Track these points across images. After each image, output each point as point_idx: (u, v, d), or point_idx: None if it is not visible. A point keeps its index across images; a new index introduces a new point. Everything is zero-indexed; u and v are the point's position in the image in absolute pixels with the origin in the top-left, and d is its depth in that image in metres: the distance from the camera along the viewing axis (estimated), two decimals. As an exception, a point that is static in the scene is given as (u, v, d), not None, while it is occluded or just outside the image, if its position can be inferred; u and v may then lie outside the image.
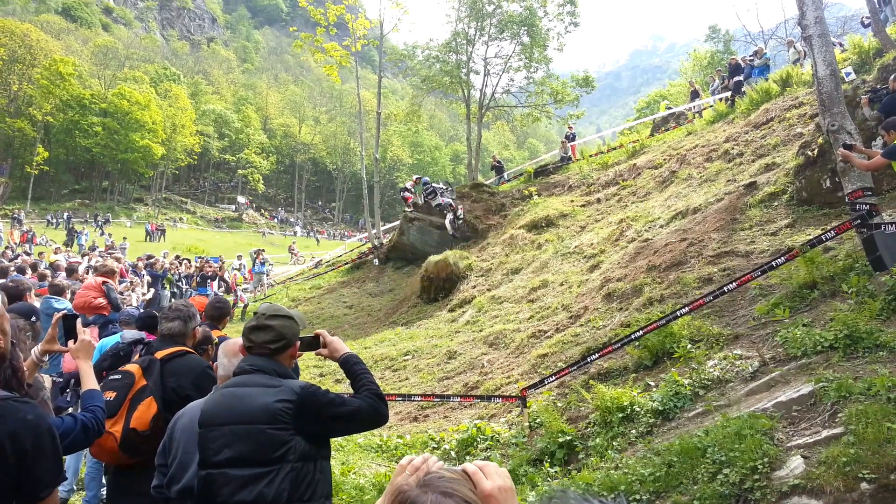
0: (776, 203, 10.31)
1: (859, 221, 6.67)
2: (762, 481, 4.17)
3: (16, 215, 47.68)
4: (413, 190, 22.70)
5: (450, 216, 20.23)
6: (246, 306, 21.62)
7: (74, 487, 6.26)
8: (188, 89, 79.87)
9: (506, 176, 28.02)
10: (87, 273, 12.94)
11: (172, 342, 4.08)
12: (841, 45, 16.50)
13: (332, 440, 3.10)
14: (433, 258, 17.96)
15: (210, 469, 2.66)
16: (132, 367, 3.89)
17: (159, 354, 3.95)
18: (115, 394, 3.71)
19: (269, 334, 2.88)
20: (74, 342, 3.31)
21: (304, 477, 2.61)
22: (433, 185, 21.58)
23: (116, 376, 3.87)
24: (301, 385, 2.78)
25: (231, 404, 2.74)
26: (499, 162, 30.52)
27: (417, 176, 23.01)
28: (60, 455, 2.27)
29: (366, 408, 2.83)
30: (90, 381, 3.14)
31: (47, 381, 3.63)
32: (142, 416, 3.64)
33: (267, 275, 28.03)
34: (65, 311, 3.46)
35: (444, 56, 31.73)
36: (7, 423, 2.04)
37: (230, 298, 24.06)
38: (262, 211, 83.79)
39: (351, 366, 3.05)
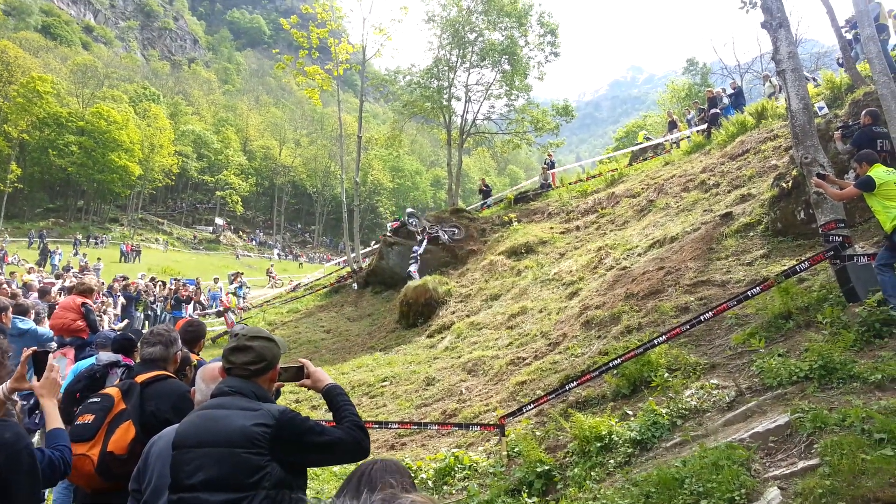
0: (752, 233, 10.47)
1: (833, 253, 6.79)
2: (740, 513, 4.17)
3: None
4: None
5: (417, 249, 20.28)
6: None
7: None
8: (168, 109, 79.62)
9: (490, 202, 28.15)
10: (61, 294, 12.73)
11: (154, 366, 4.02)
12: (815, 79, 16.95)
13: (309, 469, 3.05)
14: (412, 283, 17.91)
15: (182, 493, 2.57)
16: (111, 391, 3.82)
17: (140, 378, 3.89)
18: (93, 416, 3.64)
19: (250, 355, 2.83)
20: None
21: (277, 503, 2.53)
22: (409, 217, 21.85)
23: (95, 399, 3.80)
24: (280, 410, 2.71)
25: (207, 426, 2.66)
26: (486, 186, 30.45)
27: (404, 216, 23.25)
28: (38, 474, 2.22)
29: (347, 439, 2.76)
30: (55, 421, 3.05)
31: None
32: (119, 440, 3.57)
33: (243, 298, 27.74)
34: (35, 349, 3.37)
35: (426, 82, 32.06)
36: None
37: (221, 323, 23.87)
38: (241, 233, 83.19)
39: (334, 397, 2.99)
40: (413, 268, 19.34)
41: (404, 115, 33.51)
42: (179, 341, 4.28)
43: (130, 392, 3.81)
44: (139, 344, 4.37)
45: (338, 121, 33.29)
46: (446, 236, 20.87)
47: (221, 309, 21.74)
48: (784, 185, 10.17)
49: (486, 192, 29.79)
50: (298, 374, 3.06)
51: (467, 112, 32.92)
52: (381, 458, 2.23)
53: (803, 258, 7.64)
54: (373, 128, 64.31)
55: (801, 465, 4.46)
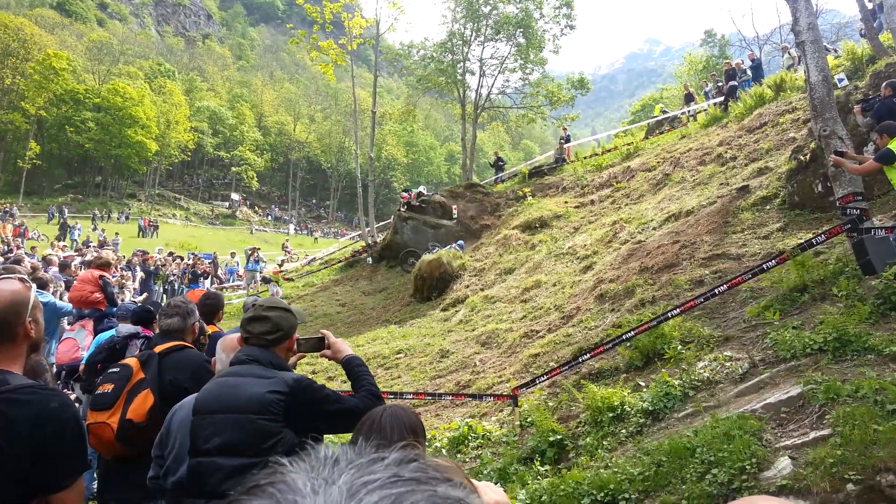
0: (768, 207, 10.38)
1: (850, 226, 6.74)
2: (750, 482, 4.21)
3: (7, 209, 47.42)
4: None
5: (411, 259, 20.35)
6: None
7: None
8: (183, 86, 79.59)
9: (503, 176, 28.02)
10: (81, 269, 12.89)
11: (171, 337, 4.10)
12: (835, 51, 16.62)
13: (325, 438, 3.11)
14: (427, 257, 17.98)
15: (200, 457, 2.66)
16: (130, 361, 3.91)
17: (158, 349, 3.97)
18: (112, 386, 3.74)
19: (267, 325, 2.89)
20: None
21: None
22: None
23: (115, 369, 3.89)
24: (295, 378, 2.77)
25: (224, 393, 2.74)
26: (501, 160, 30.14)
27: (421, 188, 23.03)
28: (85, 444, 2.28)
29: (362, 408, 2.79)
30: None
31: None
32: (138, 408, 3.66)
33: (260, 272, 28.00)
34: None
35: (440, 56, 31.80)
36: (31, 409, 2.05)
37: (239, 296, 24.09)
38: (256, 208, 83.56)
39: (353, 367, 3.05)
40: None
41: (418, 90, 33.32)
42: (196, 312, 4.35)
43: (149, 362, 3.90)
44: (157, 316, 4.45)
45: (352, 96, 33.18)
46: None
47: (268, 276, 21.71)
48: (802, 158, 10.04)
49: (499, 165, 29.55)
50: (319, 344, 3.12)
51: (481, 86, 32.69)
52: (391, 406, 2.29)
53: (820, 231, 7.57)
54: (387, 103, 64.08)
55: (812, 435, 4.48)
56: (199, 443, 2.68)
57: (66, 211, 50.29)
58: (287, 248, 43.08)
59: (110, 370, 3.93)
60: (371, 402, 2.86)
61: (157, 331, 4.40)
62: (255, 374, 2.76)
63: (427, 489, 0.48)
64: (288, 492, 0.48)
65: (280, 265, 25.78)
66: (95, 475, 5.81)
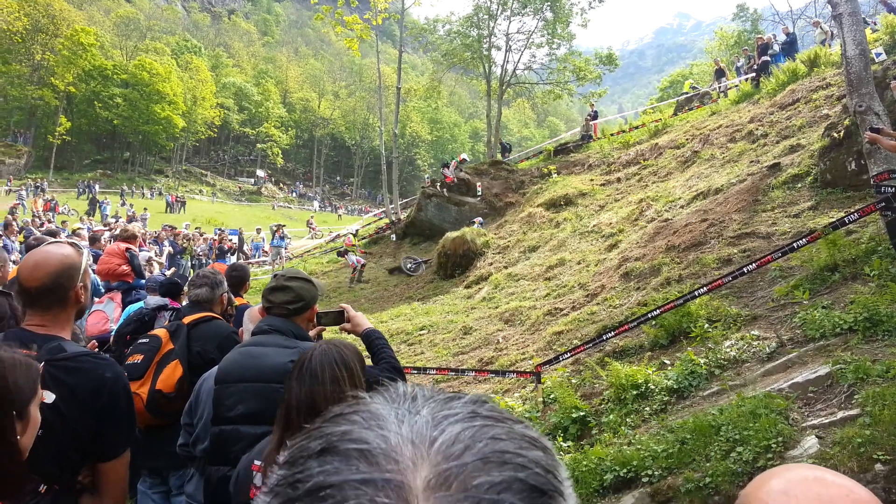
0: (799, 185, 10.17)
1: (884, 204, 6.57)
2: (776, 460, 4.18)
3: (38, 184, 48.31)
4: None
5: (409, 264, 20.14)
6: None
7: None
8: (209, 62, 79.95)
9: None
10: (110, 242, 13.11)
11: (200, 308, 4.16)
12: (873, 24, 16.10)
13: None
14: (450, 234, 17.98)
15: (223, 425, 2.70)
16: (159, 332, 3.98)
17: (186, 320, 4.03)
18: (141, 357, 3.81)
19: (289, 295, 2.92)
20: None
21: None
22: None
23: (144, 340, 3.96)
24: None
25: (246, 362, 2.77)
26: (504, 144, 30.55)
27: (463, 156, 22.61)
28: (134, 415, 2.32)
29: (381, 379, 2.83)
30: None
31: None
32: (167, 379, 3.73)
33: (285, 248, 28.29)
34: None
35: (466, 31, 31.46)
36: (89, 378, 2.08)
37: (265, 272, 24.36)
38: (281, 185, 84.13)
39: (373, 340, 3.07)
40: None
41: (443, 66, 33.04)
42: (225, 283, 4.40)
43: (178, 333, 3.96)
44: (187, 286, 4.52)
45: (376, 72, 33.04)
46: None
47: (344, 249, 21.55)
48: (835, 134, 9.80)
49: (506, 148, 29.69)
50: (339, 318, 3.14)
51: (507, 62, 32.32)
52: (323, 343, 2.30)
53: (852, 210, 7.40)
54: (411, 79, 63.66)
55: (840, 414, 4.43)
56: (223, 411, 2.72)
57: (97, 186, 51.12)
58: (312, 224, 43.41)
59: (140, 341, 4.00)
60: (390, 375, 2.88)
61: (186, 302, 4.47)
62: (276, 343, 2.79)
63: (504, 426, 0.50)
64: (372, 419, 0.50)
65: (355, 234, 25.52)
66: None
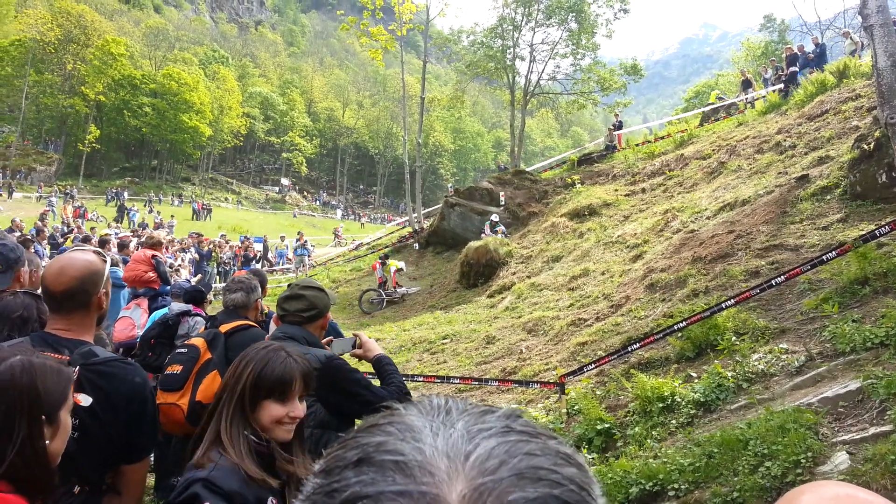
0: (828, 197, 10.03)
1: (917, 217, 6.47)
2: (805, 475, 4.13)
3: (68, 191, 49.28)
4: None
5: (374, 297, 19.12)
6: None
7: None
8: (235, 72, 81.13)
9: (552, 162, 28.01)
10: (138, 249, 13.34)
11: (235, 314, 4.19)
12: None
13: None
14: (473, 244, 18.01)
15: None
16: (197, 341, 3.99)
17: (224, 328, 4.05)
18: (181, 367, 3.83)
19: (302, 303, 3.04)
20: None
21: (321, 443, 2.70)
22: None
23: (182, 350, 3.99)
24: (328, 355, 2.88)
25: None
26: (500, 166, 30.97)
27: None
28: (158, 420, 2.38)
29: (390, 399, 2.85)
30: None
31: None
32: (207, 389, 3.75)
33: (308, 256, 28.53)
34: None
35: (490, 41, 31.55)
36: (123, 383, 2.14)
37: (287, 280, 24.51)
38: (305, 193, 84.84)
39: (383, 366, 3.13)
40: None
41: (467, 76, 33.14)
42: (259, 289, 4.43)
43: (215, 342, 3.99)
44: (223, 293, 4.56)
45: (400, 82, 33.29)
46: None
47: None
48: (865, 146, 9.65)
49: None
50: (351, 344, 3.23)
51: (531, 72, 32.35)
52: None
53: (883, 222, 7.29)
54: (435, 89, 63.96)
55: (872, 430, 4.36)
56: None
57: (126, 194, 52.01)
58: (338, 233, 43.63)
59: (178, 350, 4.03)
60: (399, 398, 2.91)
61: (222, 307, 4.51)
62: None
63: (539, 441, 0.50)
64: (407, 431, 0.50)
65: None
66: (153, 454, 6.05)
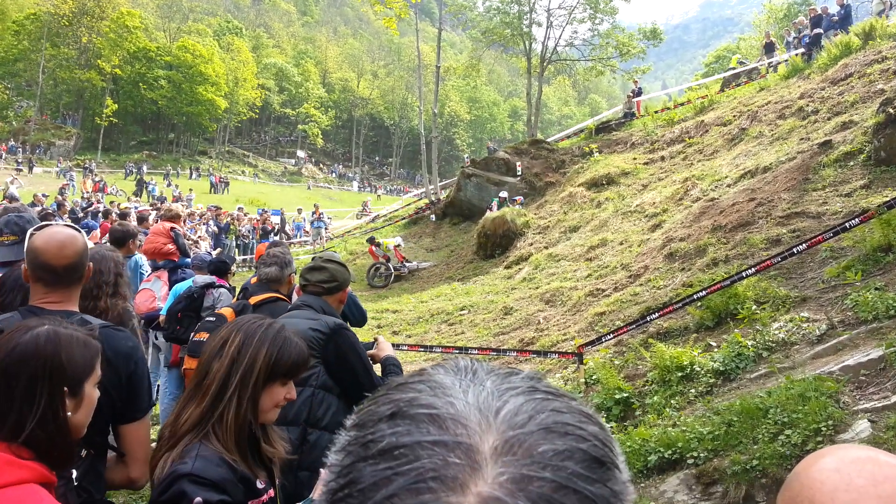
0: (852, 163, 9.84)
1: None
2: (825, 443, 4.12)
3: (87, 165, 49.73)
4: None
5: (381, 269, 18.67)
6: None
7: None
8: (250, 42, 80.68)
9: (568, 133, 27.55)
10: (157, 221, 13.45)
11: (268, 288, 4.27)
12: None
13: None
14: (490, 214, 17.95)
15: None
16: (226, 311, 4.10)
17: (253, 300, 4.14)
18: (208, 335, 3.93)
19: (324, 274, 3.20)
20: None
21: (322, 402, 2.80)
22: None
23: (212, 318, 4.08)
24: (338, 322, 3.01)
25: None
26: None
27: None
28: (150, 381, 2.49)
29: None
30: None
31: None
32: None
33: (325, 228, 28.67)
34: None
35: (506, 7, 31.03)
36: (119, 348, 2.24)
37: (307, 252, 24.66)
38: (321, 165, 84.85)
39: (388, 365, 3.24)
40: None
41: (482, 44, 32.68)
42: (293, 263, 4.50)
43: (244, 312, 4.07)
44: (257, 266, 4.63)
45: (415, 51, 32.95)
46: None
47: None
48: (891, 110, 9.43)
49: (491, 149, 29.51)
50: (368, 345, 3.37)
51: (548, 38, 31.74)
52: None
53: (910, 188, 7.16)
54: (450, 57, 63.36)
55: (894, 399, 4.34)
56: None
57: (144, 168, 52.38)
58: (366, 206, 42.97)
59: (207, 319, 4.12)
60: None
61: (254, 280, 4.58)
62: (305, 316, 3.02)
63: (563, 401, 0.53)
64: (438, 388, 0.52)
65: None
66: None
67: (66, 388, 1.64)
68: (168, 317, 5.96)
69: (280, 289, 4.35)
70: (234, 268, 7.06)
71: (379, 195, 66.55)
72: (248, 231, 24.97)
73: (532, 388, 0.53)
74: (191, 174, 59.89)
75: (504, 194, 19.56)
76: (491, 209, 19.03)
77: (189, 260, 8.00)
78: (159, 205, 25.03)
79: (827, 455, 0.76)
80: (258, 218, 27.67)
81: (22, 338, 1.63)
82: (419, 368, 0.57)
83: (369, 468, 0.47)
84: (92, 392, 1.75)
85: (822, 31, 18.31)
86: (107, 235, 9.76)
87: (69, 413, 1.65)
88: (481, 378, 0.54)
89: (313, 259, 3.34)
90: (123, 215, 14.43)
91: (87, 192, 34.15)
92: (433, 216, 24.52)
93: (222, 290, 5.83)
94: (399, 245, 19.33)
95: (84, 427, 1.75)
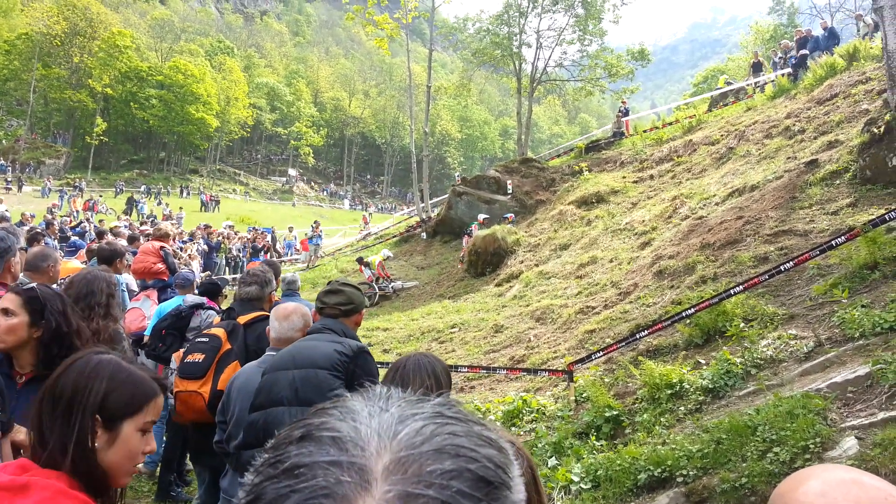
0: (838, 182, 9.95)
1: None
2: (813, 461, 4.13)
3: (77, 184, 49.50)
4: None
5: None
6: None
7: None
8: (241, 62, 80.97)
9: (559, 150, 27.66)
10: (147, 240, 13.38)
11: (251, 306, 4.24)
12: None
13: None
14: (481, 233, 17.99)
15: (267, 408, 2.95)
16: (218, 331, 4.05)
17: (242, 319, 4.10)
18: (203, 356, 3.88)
19: (341, 297, 3.28)
20: None
21: None
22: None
23: (204, 339, 4.03)
24: (360, 346, 3.09)
25: (298, 353, 3.05)
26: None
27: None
28: None
29: None
30: None
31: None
32: (228, 379, 3.80)
33: (318, 246, 28.62)
34: None
35: (496, 28, 31.31)
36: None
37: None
38: (312, 184, 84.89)
39: None
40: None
41: (473, 64, 32.93)
42: (274, 282, 4.48)
43: (235, 333, 4.05)
44: (239, 285, 4.60)
45: (406, 71, 33.14)
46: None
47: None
48: (875, 130, 9.56)
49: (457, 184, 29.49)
50: None
51: (538, 59, 32.00)
52: (416, 353, 2.57)
53: (893, 206, 7.23)
54: (441, 77, 63.80)
55: (881, 415, 4.35)
56: (272, 394, 2.97)
57: (143, 187, 52.24)
58: (367, 220, 42.52)
59: (198, 339, 4.07)
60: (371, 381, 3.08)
61: (236, 298, 4.55)
62: (327, 339, 3.09)
63: (464, 426, 0.55)
64: (348, 413, 0.56)
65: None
66: (164, 437, 6.09)
67: (98, 418, 1.56)
68: (152, 334, 5.89)
69: (263, 306, 4.33)
70: (225, 290, 7.01)
71: (370, 213, 66.51)
72: (239, 249, 24.88)
73: (437, 414, 0.56)
74: (181, 192, 59.73)
75: (483, 216, 19.57)
76: (469, 235, 18.93)
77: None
78: (149, 224, 24.98)
79: (812, 477, 0.76)
80: (248, 236, 27.59)
81: (80, 360, 1.62)
82: (341, 397, 0.60)
83: (272, 486, 0.50)
84: (131, 435, 1.62)
85: (807, 52, 18.59)
86: (88, 254, 9.70)
87: (97, 445, 1.56)
88: (391, 404, 0.57)
89: (330, 283, 3.43)
90: (116, 234, 14.36)
91: (76, 211, 33.97)
92: (424, 234, 24.56)
93: (211, 311, 5.76)
94: (389, 257, 19.37)
95: (120, 471, 1.62)
